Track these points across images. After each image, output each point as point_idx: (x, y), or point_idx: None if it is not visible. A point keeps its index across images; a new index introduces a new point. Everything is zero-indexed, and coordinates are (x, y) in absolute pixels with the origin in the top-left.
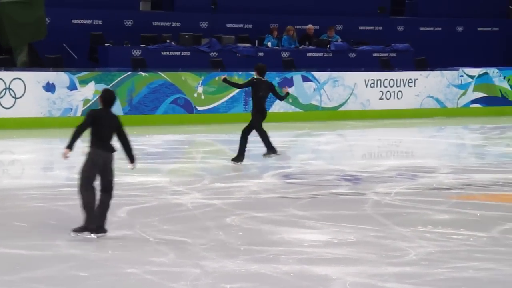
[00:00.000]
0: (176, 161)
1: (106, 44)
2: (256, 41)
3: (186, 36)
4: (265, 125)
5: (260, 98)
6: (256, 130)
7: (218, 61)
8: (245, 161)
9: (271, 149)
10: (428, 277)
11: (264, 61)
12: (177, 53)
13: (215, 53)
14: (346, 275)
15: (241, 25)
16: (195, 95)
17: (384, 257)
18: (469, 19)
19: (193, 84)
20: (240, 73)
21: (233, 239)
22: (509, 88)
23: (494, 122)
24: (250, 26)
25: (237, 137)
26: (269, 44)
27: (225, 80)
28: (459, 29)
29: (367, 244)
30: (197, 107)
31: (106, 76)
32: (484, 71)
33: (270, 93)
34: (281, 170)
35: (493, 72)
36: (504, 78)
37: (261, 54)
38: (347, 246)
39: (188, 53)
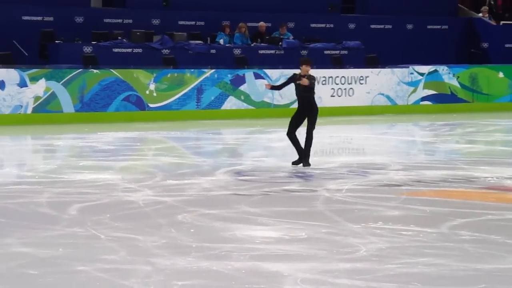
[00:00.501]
0: (127, 158)
1: (56, 41)
2: (208, 38)
3: (138, 33)
4: (217, 123)
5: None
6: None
7: (170, 58)
8: (197, 158)
9: (304, 159)
10: (378, 273)
11: (216, 59)
12: (129, 50)
13: (167, 50)
14: (297, 272)
15: (193, 22)
16: (147, 92)
17: (335, 253)
18: (419, 17)
19: (145, 81)
20: (192, 70)
21: (185, 236)
22: (458, 85)
23: (444, 119)
24: (202, 23)
25: (190, 134)
26: (221, 41)
27: (272, 87)
28: (409, 26)
29: (318, 240)
30: (149, 104)
31: (57, 73)
32: (434, 69)
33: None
34: (233, 167)
35: (442, 69)
36: (453, 76)
37: (213, 51)
38: (299, 242)
39: (140, 50)
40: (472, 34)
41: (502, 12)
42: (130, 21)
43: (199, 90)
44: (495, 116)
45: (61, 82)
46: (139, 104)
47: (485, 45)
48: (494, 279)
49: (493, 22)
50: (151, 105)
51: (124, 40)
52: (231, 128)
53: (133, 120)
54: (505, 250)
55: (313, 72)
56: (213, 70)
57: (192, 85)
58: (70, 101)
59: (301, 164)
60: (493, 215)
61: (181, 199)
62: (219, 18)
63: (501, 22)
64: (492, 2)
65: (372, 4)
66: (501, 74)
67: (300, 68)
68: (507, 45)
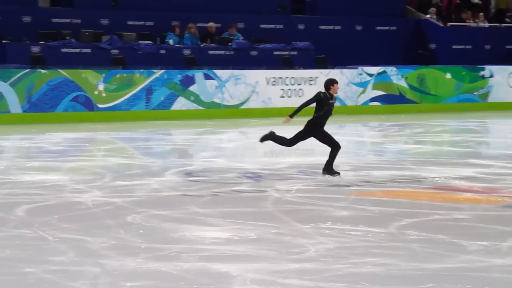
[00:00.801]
0: (76, 159)
1: (3, 41)
2: (158, 39)
3: (87, 33)
4: (167, 123)
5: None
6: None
7: (119, 58)
8: (146, 159)
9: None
10: (327, 273)
11: (165, 59)
12: (77, 50)
13: (116, 50)
14: (246, 272)
15: (142, 23)
16: (96, 92)
17: (284, 254)
18: (368, 18)
19: (94, 81)
20: (141, 70)
21: (134, 237)
22: (406, 86)
23: (392, 120)
24: (152, 23)
25: (139, 134)
26: (171, 41)
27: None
28: (358, 27)
29: (267, 241)
30: (98, 105)
31: (4, 73)
32: (382, 70)
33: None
34: (183, 168)
35: (391, 70)
36: (402, 77)
37: (163, 51)
38: (248, 243)
39: (88, 50)
40: (420, 35)
41: (446, 13)
42: (79, 21)
43: (148, 90)
44: (443, 116)
45: (8, 82)
46: (88, 104)
47: (433, 46)
48: (441, 279)
49: (440, 24)
50: (100, 106)
51: (73, 40)
52: (180, 129)
53: (81, 120)
54: (452, 249)
55: (262, 73)
56: (162, 71)
57: (142, 86)
58: (18, 101)
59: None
60: (440, 215)
61: (130, 200)
62: (168, 19)
63: (449, 24)
64: (440, 4)
65: (321, 5)
66: (448, 75)
67: (330, 88)
68: (454, 47)
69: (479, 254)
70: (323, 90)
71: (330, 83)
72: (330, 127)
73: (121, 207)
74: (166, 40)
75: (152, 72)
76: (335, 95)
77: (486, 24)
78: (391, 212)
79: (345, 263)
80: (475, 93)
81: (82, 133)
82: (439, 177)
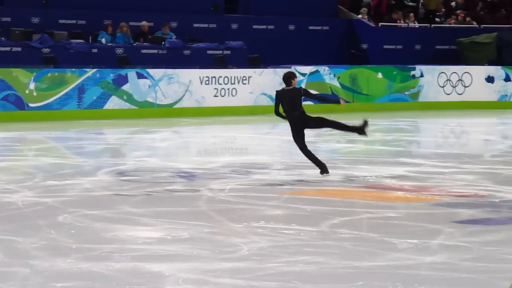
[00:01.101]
0: (6, 159)
1: None
2: (90, 37)
3: (17, 32)
4: (99, 122)
5: (284, 109)
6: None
7: (50, 57)
8: (78, 159)
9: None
10: (259, 271)
11: (97, 58)
12: (8, 48)
13: (47, 49)
14: (179, 272)
15: (74, 21)
16: (27, 91)
17: (217, 253)
18: (301, 18)
19: (25, 80)
20: (73, 69)
21: (65, 238)
22: (339, 85)
23: None
24: (84, 22)
25: (71, 134)
26: (103, 40)
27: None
28: (291, 27)
29: (200, 240)
30: (29, 104)
31: None
32: (315, 69)
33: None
34: (115, 167)
35: (323, 70)
36: (334, 76)
37: (95, 50)
38: (181, 242)
39: (19, 49)
40: (352, 35)
41: (374, 12)
42: (9, 19)
43: (80, 89)
44: (375, 116)
45: None
46: (19, 103)
47: (365, 46)
48: (372, 276)
49: (372, 24)
50: (31, 105)
51: (3, 38)
52: (113, 128)
53: (12, 120)
54: (383, 247)
55: (195, 72)
56: (95, 70)
57: (74, 85)
58: None
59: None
60: (372, 213)
61: (61, 200)
62: (100, 17)
63: (380, 24)
64: (371, 2)
65: (254, 5)
66: (380, 75)
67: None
68: (385, 46)
69: (409, 252)
70: (302, 86)
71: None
72: (263, 127)
73: (52, 207)
74: (98, 39)
75: (84, 71)
76: None
77: (416, 25)
78: (324, 210)
79: (277, 262)
80: (406, 93)
81: (13, 133)
82: (371, 176)
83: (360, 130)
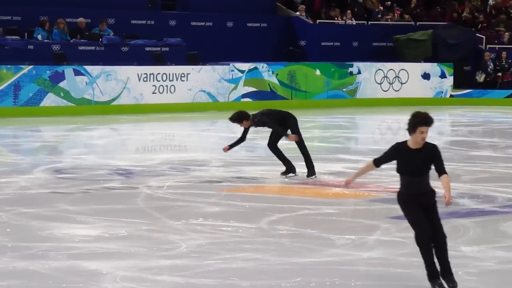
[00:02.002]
0: None
1: None
2: (26, 34)
3: None
4: (36, 120)
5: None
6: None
7: None
8: (14, 156)
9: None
10: (198, 269)
11: (34, 55)
12: None
13: None
14: (117, 269)
15: (9, 17)
16: None
17: (155, 250)
18: (239, 15)
19: None
20: (8, 66)
21: (1, 236)
22: (277, 82)
23: None
24: (19, 18)
25: (7, 131)
26: (39, 37)
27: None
28: (230, 24)
29: (138, 237)
30: None
31: None
32: (253, 66)
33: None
34: (52, 165)
35: (262, 67)
36: (272, 73)
37: (31, 47)
38: (119, 240)
39: None
40: (290, 32)
41: (307, 7)
42: None
43: (16, 86)
44: (313, 113)
45: None
46: None
47: (303, 43)
48: (310, 272)
49: (310, 21)
50: None
51: None
52: (50, 126)
53: None
54: (321, 243)
55: (133, 69)
56: (31, 66)
57: (9, 82)
58: None
59: (291, 174)
60: (310, 209)
61: None
62: (36, 13)
63: (318, 21)
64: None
65: (192, 2)
66: (318, 72)
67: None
68: (323, 43)
69: (347, 248)
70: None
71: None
72: (202, 124)
73: None
74: (34, 36)
75: (20, 68)
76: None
77: (354, 22)
78: (262, 207)
79: (215, 259)
80: (344, 90)
81: None
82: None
83: (310, 172)
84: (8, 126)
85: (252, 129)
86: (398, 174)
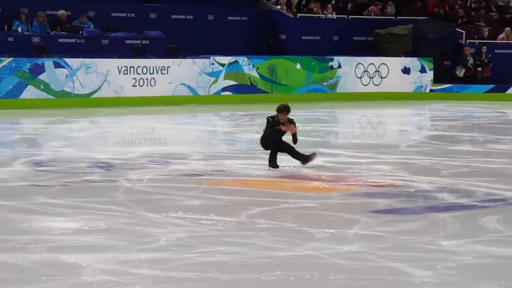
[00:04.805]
0: None
1: None
2: (5, 26)
3: None
4: (16, 112)
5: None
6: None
7: None
8: None
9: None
10: (177, 262)
11: (14, 47)
12: None
13: None
14: (96, 263)
15: None
16: None
17: (135, 244)
18: (220, 8)
19: None
20: None
21: None
22: (257, 76)
23: (244, 110)
24: None
25: None
26: (19, 29)
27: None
28: (210, 17)
29: (118, 231)
30: None
31: None
32: (234, 60)
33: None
34: (32, 157)
35: (242, 60)
36: (253, 67)
37: (10, 39)
38: (98, 233)
39: None
40: (270, 26)
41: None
42: None
43: None
44: (293, 106)
45: None
46: None
47: (283, 36)
48: (289, 266)
49: (290, 15)
50: None
51: None
52: (30, 118)
53: None
54: (300, 237)
55: (113, 62)
56: (10, 59)
57: None
58: None
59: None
60: (290, 203)
61: None
62: (16, 5)
63: (298, 15)
64: None
65: None
66: (298, 66)
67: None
68: (304, 37)
69: (326, 242)
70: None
71: (277, 110)
72: (182, 117)
73: None
74: (13, 28)
75: (0, 60)
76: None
77: (334, 16)
78: (242, 201)
79: (195, 252)
80: (324, 84)
81: None
82: (289, 166)
83: (305, 159)
84: None
85: (232, 123)
86: (377, 168)
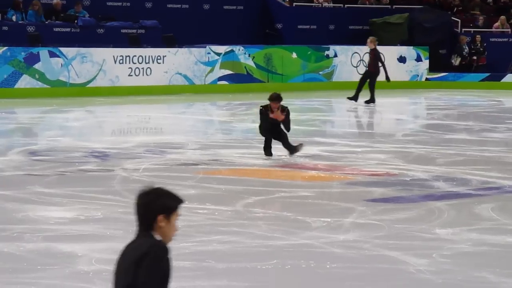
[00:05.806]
0: None
1: None
2: (0, 15)
3: None
4: (11, 101)
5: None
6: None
7: None
8: None
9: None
10: (174, 251)
11: (9, 36)
12: None
13: None
14: (92, 252)
15: None
16: None
17: (131, 233)
18: None
19: None
20: None
21: None
22: (253, 65)
23: (240, 99)
24: None
25: None
26: (14, 18)
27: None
28: (206, 6)
29: (114, 220)
30: None
31: None
32: (230, 49)
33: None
34: (27, 147)
35: (238, 49)
36: (249, 56)
37: (5, 28)
38: (94, 222)
39: None
40: (266, 15)
41: None
42: None
43: None
44: (289, 96)
45: None
46: None
47: (279, 26)
48: (286, 255)
49: (286, 4)
50: None
51: None
52: (25, 107)
53: None
54: (296, 226)
55: (109, 51)
56: (5, 48)
57: None
58: None
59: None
60: (286, 192)
61: None
62: None
63: (294, 4)
64: None
65: None
66: (294, 55)
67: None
68: (300, 26)
69: (322, 231)
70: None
71: (269, 99)
72: (178, 106)
73: None
74: (8, 16)
75: None
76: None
77: (330, 5)
78: (238, 190)
79: (192, 241)
80: (320, 73)
81: None
82: (285, 155)
83: (292, 150)
84: None
85: (229, 112)
86: (373, 157)
